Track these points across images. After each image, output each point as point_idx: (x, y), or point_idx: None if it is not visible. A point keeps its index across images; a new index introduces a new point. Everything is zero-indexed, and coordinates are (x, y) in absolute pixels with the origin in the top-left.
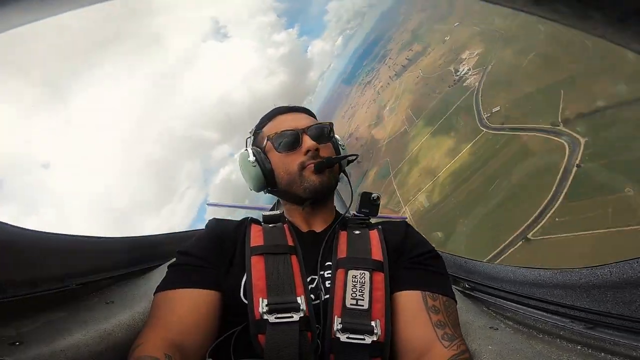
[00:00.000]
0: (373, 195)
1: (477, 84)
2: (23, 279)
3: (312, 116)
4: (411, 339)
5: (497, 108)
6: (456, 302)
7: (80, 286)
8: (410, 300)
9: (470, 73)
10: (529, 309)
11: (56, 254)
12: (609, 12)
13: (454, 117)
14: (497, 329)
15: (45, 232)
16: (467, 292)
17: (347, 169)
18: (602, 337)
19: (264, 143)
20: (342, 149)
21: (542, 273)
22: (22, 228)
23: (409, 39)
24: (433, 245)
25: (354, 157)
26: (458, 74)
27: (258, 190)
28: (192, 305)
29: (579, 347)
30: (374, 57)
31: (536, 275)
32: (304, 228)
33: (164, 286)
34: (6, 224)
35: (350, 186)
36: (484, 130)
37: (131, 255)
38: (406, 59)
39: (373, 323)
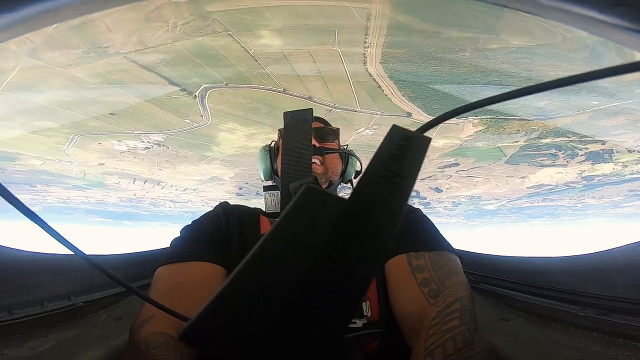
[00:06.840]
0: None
1: None
2: (30, 300)
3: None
4: (403, 305)
5: None
6: (453, 252)
7: (88, 304)
8: (397, 266)
9: None
10: (538, 298)
11: (60, 273)
12: None
13: None
14: (509, 319)
15: (47, 253)
16: (473, 285)
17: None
18: (615, 322)
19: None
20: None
21: (548, 261)
22: (23, 250)
23: None
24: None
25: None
26: None
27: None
28: (201, 278)
29: (594, 334)
30: None
31: (542, 263)
32: None
33: (170, 259)
34: (7, 247)
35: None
36: None
37: (136, 271)
38: None
39: (363, 305)
